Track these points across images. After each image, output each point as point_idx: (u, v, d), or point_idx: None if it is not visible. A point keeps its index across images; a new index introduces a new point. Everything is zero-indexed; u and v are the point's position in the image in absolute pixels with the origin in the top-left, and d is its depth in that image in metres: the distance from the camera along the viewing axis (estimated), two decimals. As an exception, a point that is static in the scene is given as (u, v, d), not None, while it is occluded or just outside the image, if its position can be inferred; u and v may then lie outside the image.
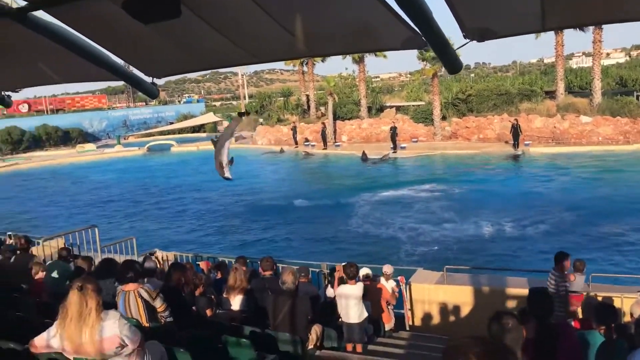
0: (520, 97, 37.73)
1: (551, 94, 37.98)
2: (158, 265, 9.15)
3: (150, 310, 5.70)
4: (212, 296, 7.49)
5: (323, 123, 39.77)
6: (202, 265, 10.46)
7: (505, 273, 10.86)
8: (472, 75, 76.78)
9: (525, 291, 8.82)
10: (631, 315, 5.98)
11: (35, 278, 7.52)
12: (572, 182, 24.03)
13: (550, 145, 32.16)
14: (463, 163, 30.31)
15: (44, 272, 7.66)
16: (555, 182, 24.37)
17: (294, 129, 41.09)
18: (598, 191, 21.78)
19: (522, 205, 20.30)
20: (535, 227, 17.44)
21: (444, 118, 37.45)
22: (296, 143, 40.65)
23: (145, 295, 5.65)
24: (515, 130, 31.48)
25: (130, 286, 5.69)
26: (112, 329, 3.89)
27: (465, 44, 5.09)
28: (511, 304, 8.97)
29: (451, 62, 5.30)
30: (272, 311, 6.64)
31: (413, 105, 42.88)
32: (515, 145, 31.52)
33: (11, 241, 11.11)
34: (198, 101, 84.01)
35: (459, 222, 18.73)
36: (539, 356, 4.16)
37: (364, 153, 33.56)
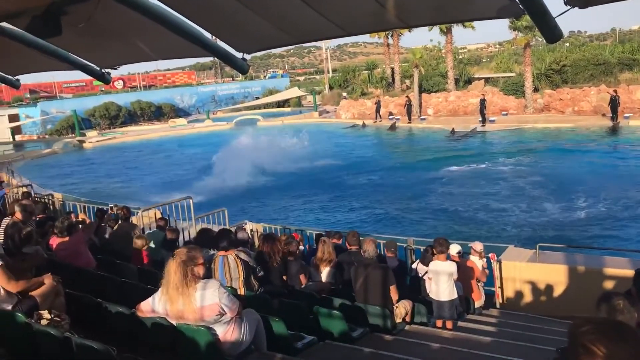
0: (620, 67, 35.41)
1: (656, 63, 35.42)
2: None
3: (248, 271, 5.93)
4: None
5: (407, 97, 39.14)
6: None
7: (603, 253, 10.36)
8: (567, 44, 72.79)
9: (625, 272, 8.42)
10: None
11: (141, 249, 7.94)
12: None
13: (653, 117, 30.10)
14: (556, 137, 28.98)
15: (147, 246, 8.06)
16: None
17: (378, 103, 40.69)
18: None
19: (621, 182, 19.18)
20: (636, 206, 16.47)
21: (536, 90, 35.82)
22: (379, 117, 40.28)
23: (244, 256, 5.89)
24: (614, 102, 29.65)
25: (229, 251, 5.94)
26: (212, 297, 4.05)
27: (566, 11, 4.81)
28: (609, 285, 8.55)
29: (550, 31, 5.03)
30: (356, 280, 6.72)
31: (503, 77, 41.24)
32: (614, 118, 29.73)
33: (113, 211, 11.75)
34: (282, 76, 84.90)
35: (551, 199, 17.99)
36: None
37: (452, 129, 32.79)
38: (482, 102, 34.18)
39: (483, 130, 32.88)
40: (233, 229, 9.78)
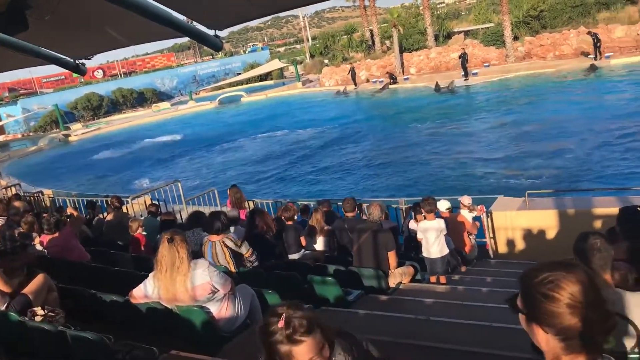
0: (597, 7, 35.20)
1: (633, -1, 35.21)
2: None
3: (237, 257, 5.94)
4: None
5: (388, 72, 38.52)
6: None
7: (590, 194, 10.47)
8: (544, -12, 72.12)
9: (612, 210, 8.51)
10: None
11: (135, 235, 7.96)
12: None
13: (634, 54, 30.00)
14: (538, 84, 28.95)
15: (143, 228, 8.09)
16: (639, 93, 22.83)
17: (352, 70, 40.41)
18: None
19: (604, 122, 19.25)
20: (620, 144, 16.57)
21: (516, 38, 35.64)
22: (355, 84, 40.10)
23: (230, 244, 5.88)
24: (595, 42, 29.87)
25: (216, 237, 5.93)
26: (203, 277, 4.10)
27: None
28: (598, 224, 8.66)
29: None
30: (354, 245, 6.80)
31: (482, 28, 40.91)
32: (596, 58, 29.83)
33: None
34: (262, 49, 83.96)
35: (539, 145, 18.08)
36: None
37: (437, 84, 32.65)
38: (463, 56, 34.02)
39: (466, 83, 32.79)
40: (226, 208, 9.86)
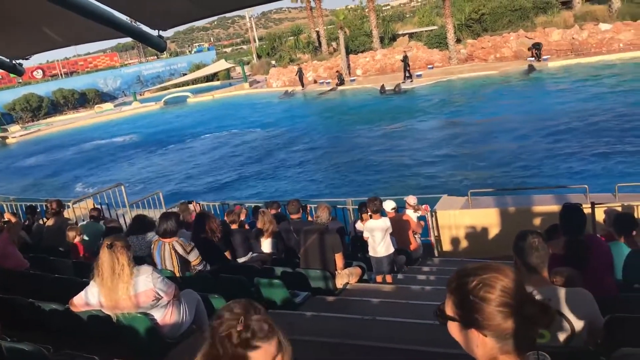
0: (535, 11, 36.46)
1: (567, 4, 36.55)
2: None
3: (183, 262, 5.85)
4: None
5: (338, 71, 38.72)
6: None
7: (530, 192, 10.83)
8: (485, -8, 73.90)
9: (551, 207, 8.85)
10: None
11: (74, 242, 7.73)
12: (592, 92, 23.38)
13: (569, 57, 31.25)
14: (480, 85, 29.68)
15: (81, 235, 7.86)
16: (574, 94, 23.73)
17: (300, 71, 40.48)
18: (620, 99, 21.23)
19: (543, 122, 19.90)
20: (557, 144, 17.19)
21: (458, 41, 36.51)
22: (303, 85, 40.17)
23: (179, 249, 5.77)
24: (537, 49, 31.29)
25: (167, 239, 5.82)
26: (146, 283, 4.02)
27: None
28: (537, 221, 8.97)
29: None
30: (300, 247, 6.80)
31: (426, 31, 41.70)
32: (537, 60, 31.03)
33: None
34: (209, 49, 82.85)
35: (480, 145, 18.56)
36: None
37: (382, 86, 32.98)
38: (405, 58, 34.35)
39: (411, 86, 33.21)
40: (176, 209, 9.69)
